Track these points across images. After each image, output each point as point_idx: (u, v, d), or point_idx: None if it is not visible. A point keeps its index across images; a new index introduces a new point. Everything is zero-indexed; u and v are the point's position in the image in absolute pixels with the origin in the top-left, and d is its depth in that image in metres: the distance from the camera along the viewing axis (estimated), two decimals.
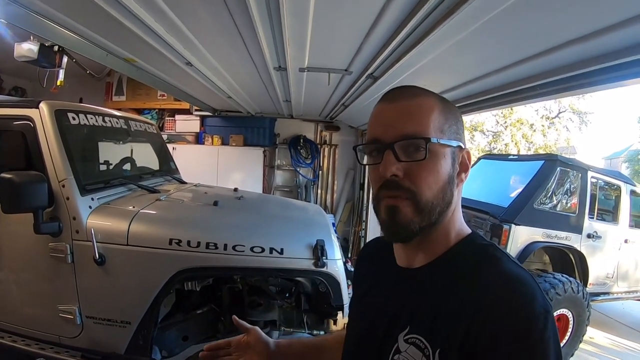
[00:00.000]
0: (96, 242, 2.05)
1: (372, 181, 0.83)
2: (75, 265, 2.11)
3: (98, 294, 2.14)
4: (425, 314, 0.76)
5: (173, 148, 5.54)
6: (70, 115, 2.38)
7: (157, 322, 2.14)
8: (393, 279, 0.89)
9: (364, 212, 6.35)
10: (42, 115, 2.20)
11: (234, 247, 2.14)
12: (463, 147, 0.82)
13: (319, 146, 6.73)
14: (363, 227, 6.35)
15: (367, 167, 0.84)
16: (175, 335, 2.31)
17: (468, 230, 0.84)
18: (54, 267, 2.14)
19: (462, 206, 0.85)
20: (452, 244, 0.81)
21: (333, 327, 2.42)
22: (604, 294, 5.02)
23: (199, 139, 6.49)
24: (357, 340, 0.91)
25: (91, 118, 2.57)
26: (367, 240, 6.06)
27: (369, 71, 2.61)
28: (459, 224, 0.83)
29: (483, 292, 0.69)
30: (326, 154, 6.75)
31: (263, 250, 2.19)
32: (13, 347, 2.20)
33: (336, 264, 2.29)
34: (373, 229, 6.16)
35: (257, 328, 1.16)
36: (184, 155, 5.61)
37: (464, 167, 0.82)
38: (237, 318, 1.17)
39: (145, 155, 3.38)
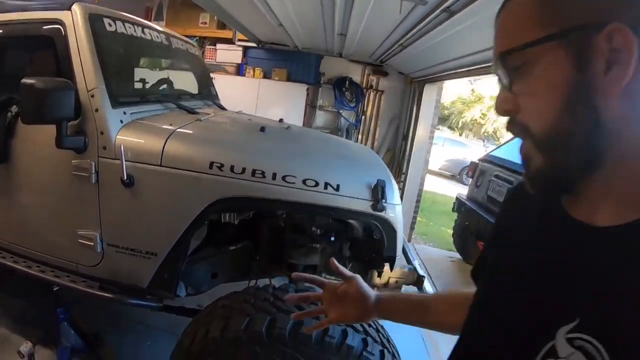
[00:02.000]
0: (125, 160, 1.80)
1: None
2: (99, 186, 1.89)
3: (123, 219, 1.93)
4: (610, 304, 0.46)
5: (212, 78, 5.36)
6: (106, 20, 2.09)
7: (186, 255, 1.92)
8: (559, 239, 0.57)
9: (405, 163, 6.01)
10: (74, 18, 1.93)
11: (283, 178, 1.87)
12: (600, 25, 0.46)
13: (365, 90, 6.33)
14: (402, 179, 6.04)
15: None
16: (204, 271, 2.11)
17: None
18: (75, 188, 1.92)
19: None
20: None
21: (377, 280, 2.19)
22: None
23: (239, 71, 6.19)
24: (486, 324, 0.63)
25: (129, 27, 2.28)
26: (404, 192, 5.77)
27: (447, 4, 2.32)
28: None
29: None
30: (371, 99, 6.35)
31: (317, 184, 1.90)
32: (26, 273, 2.06)
33: (395, 209, 2.00)
34: (412, 181, 5.89)
35: (359, 277, 0.99)
36: (223, 86, 5.31)
37: (614, 57, 0.46)
38: (335, 262, 1.00)
39: (183, 79, 3.14)
